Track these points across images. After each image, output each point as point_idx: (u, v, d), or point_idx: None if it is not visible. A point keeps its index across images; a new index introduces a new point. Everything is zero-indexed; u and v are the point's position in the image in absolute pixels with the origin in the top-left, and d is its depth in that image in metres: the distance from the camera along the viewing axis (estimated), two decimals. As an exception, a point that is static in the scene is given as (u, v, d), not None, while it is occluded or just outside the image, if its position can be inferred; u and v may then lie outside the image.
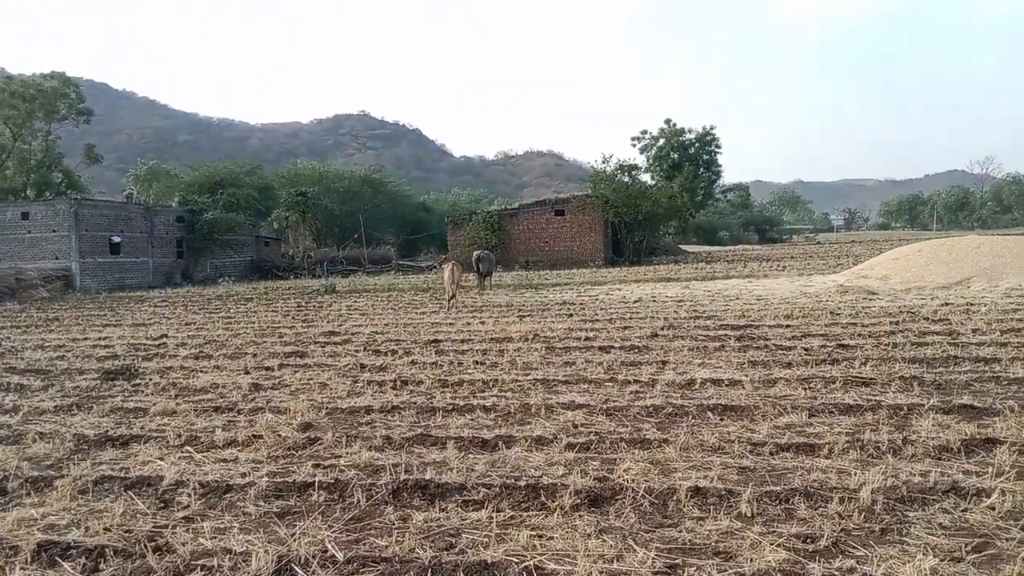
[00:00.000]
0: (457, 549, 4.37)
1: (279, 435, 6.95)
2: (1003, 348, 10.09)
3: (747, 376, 8.77)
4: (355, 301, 23.16)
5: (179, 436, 7.05)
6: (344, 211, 54.91)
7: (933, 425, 6.48)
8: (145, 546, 4.52)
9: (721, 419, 7.04)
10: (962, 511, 4.69)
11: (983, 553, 4.12)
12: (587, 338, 12.50)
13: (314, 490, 5.43)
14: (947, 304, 15.30)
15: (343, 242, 54.98)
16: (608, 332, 13.15)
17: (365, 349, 12.30)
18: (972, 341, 10.74)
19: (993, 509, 4.68)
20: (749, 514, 4.73)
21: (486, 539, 4.47)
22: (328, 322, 16.94)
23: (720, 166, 74.74)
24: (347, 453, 6.33)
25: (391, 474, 5.62)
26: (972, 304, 15.09)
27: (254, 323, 17.29)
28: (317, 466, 6.00)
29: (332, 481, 5.55)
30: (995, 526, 4.46)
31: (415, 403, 8.07)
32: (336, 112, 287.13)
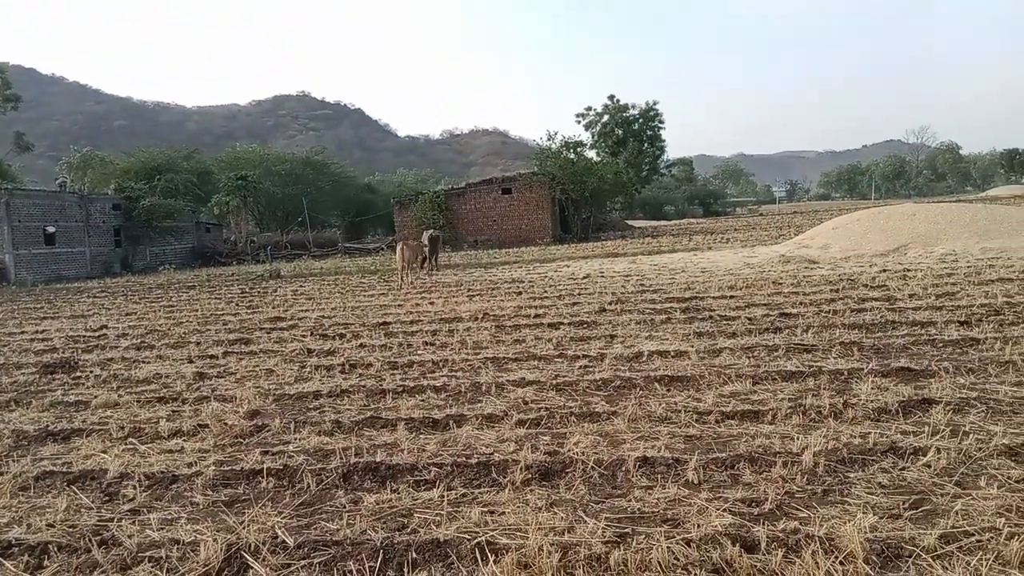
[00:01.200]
0: (409, 529, 4.36)
1: (225, 424, 6.84)
2: (938, 311, 10.42)
3: (693, 347, 8.91)
4: (301, 286, 22.85)
5: (122, 428, 6.89)
6: (287, 195, 53.97)
7: (872, 388, 6.67)
8: (90, 540, 4.42)
9: (668, 390, 7.14)
10: (900, 470, 4.85)
11: (920, 509, 4.27)
12: (536, 315, 12.54)
13: (263, 477, 5.36)
14: (885, 271, 15.73)
15: (287, 226, 54.10)
16: (557, 309, 13.21)
17: (312, 334, 12.14)
18: (909, 306, 11.06)
19: (929, 467, 4.84)
20: (696, 481, 4.82)
21: (438, 518, 4.47)
22: (273, 308, 16.68)
23: (664, 141, 75.51)
24: (296, 439, 6.27)
25: (341, 458, 5.58)
26: (909, 270, 15.53)
27: (197, 311, 16.93)
28: (265, 453, 5.93)
29: (281, 467, 5.49)
30: (931, 483, 4.62)
31: (364, 386, 8.00)
32: (276, 93, 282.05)
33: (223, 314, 15.94)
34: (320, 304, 16.79)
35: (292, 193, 53.56)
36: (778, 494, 4.53)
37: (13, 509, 5.06)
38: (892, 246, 19.80)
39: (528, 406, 6.88)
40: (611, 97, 73.68)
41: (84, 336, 13.72)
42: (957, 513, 4.15)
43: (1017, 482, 4.55)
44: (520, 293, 16.25)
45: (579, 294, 15.24)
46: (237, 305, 17.90)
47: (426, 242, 24.37)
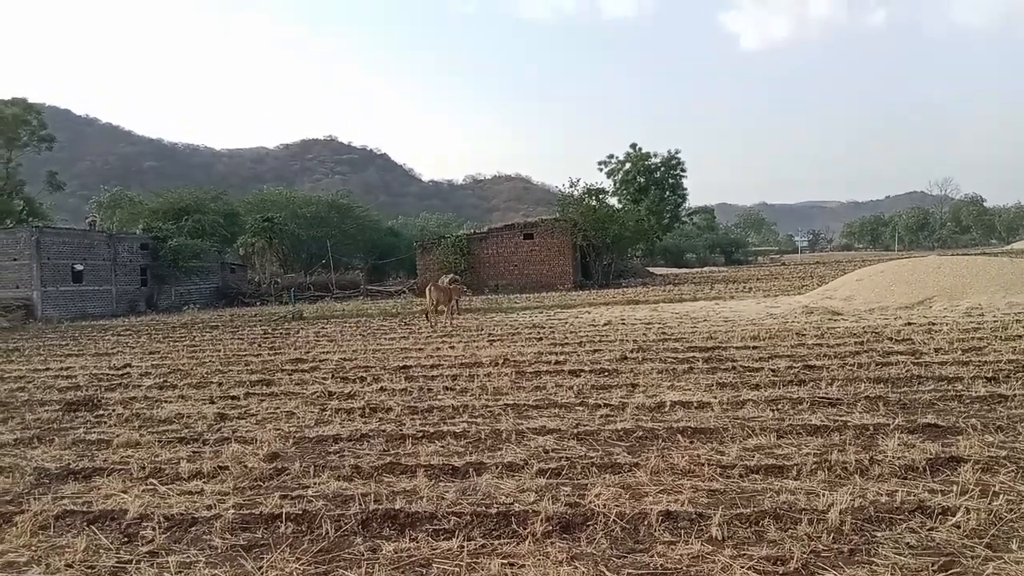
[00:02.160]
0: (428, 580, 4.32)
1: (245, 466, 6.84)
2: (965, 367, 10.27)
3: (716, 398, 8.83)
4: (323, 327, 22.97)
5: (143, 468, 6.91)
6: (311, 236, 54.59)
7: (899, 445, 6.56)
8: (107, 583, 4.41)
9: (691, 442, 7.06)
10: (928, 530, 4.74)
11: (949, 572, 4.17)
12: (557, 362, 12.51)
13: (281, 522, 5.34)
14: (910, 324, 15.56)
15: (310, 268, 54.61)
16: (578, 355, 13.17)
17: (333, 376, 12.18)
18: (935, 360, 10.92)
19: (958, 527, 4.74)
20: (720, 537, 4.74)
21: (457, 569, 4.42)
22: (295, 349, 16.77)
23: (685, 189, 75.58)
24: (315, 483, 6.25)
25: (360, 504, 5.55)
26: (934, 324, 15.36)
27: (220, 351, 17.05)
28: (284, 497, 5.91)
29: (300, 512, 5.47)
30: (960, 544, 4.51)
31: (384, 431, 7.99)
32: (303, 137, 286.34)
33: (245, 355, 16.04)
34: (341, 346, 16.85)
35: (317, 235, 54.18)
36: (804, 552, 4.44)
37: (32, 548, 5.07)
38: (917, 299, 19.60)
39: (548, 455, 6.83)
40: (633, 145, 74.15)
41: (108, 374, 13.85)
42: (988, 577, 4.05)
43: (1055, 545, 4.44)
44: (541, 339, 16.23)
45: (600, 341, 15.19)
46: (259, 346, 18.01)
47: (448, 285, 24.62)
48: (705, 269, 73.77)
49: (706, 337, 14.96)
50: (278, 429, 8.36)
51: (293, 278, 50.98)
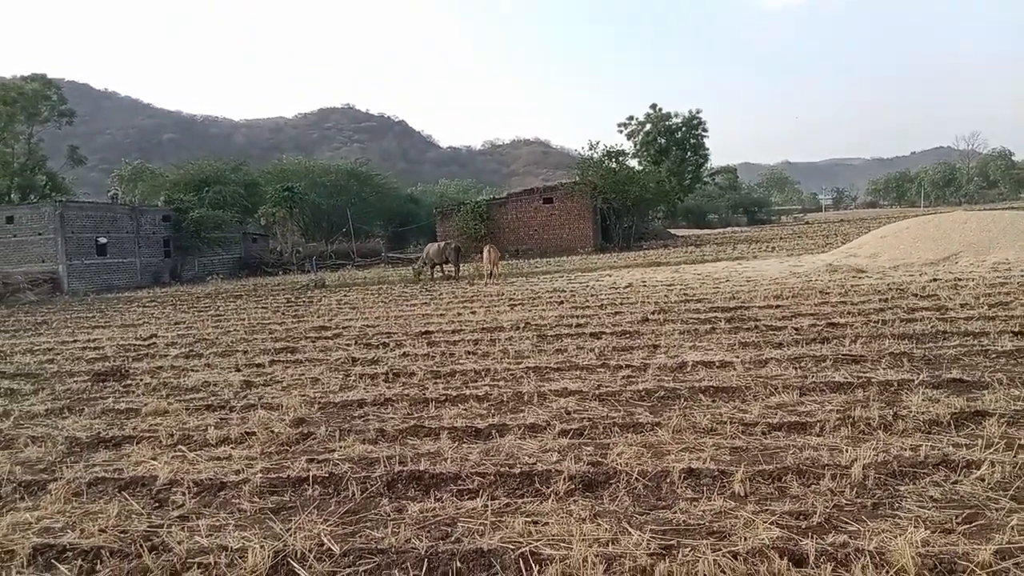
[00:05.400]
0: (453, 538, 4.38)
1: (272, 431, 6.94)
2: (991, 322, 10.15)
3: (738, 357, 8.81)
4: (345, 295, 23.11)
5: (171, 436, 7.03)
6: (331, 205, 54.78)
7: (923, 400, 6.52)
8: (141, 546, 4.51)
9: (713, 401, 7.06)
10: (952, 483, 4.73)
11: (973, 524, 4.16)
12: (578, 325, 12.51)
13: (308, 485, 5.43)
14: (935, 280, 15.38)
15: (331, 236, 54.78)
16: (599, 318, 13.16)
17: (356, 343, 12.28)
18: (960, 316, 10.80)
19: (983, 480, 4.72)
20: (742, 493, 4.76)
21: (481, 527, 4.48)
22: (318, 317, 16.91)
23: (707, 149, 74.63)
24: (340, 447, 6.33)
25: (385, 466, 5.62)
26: (960, 279, 15.17)
27: (244, 320, 17.23)
28: (311, 461, 6.00)
29: (326, 475, 5.55)
30: (985, 497, 4.50)
31: (408, 395, 8.07)
32: (320, 106, 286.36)
33: (269, 323, 16.20)
34: (364, 313, 16.96)
35: (337, 204, 54.36)
36: (827, 507, 4.45)
37: (67, 514, 5.19)
38: (943, 255, 19.33)
39: (570, 416, 6.87)
40: (653, 106, 73.23)
41: (134, 345, 14.05)
42: (1013, 528, 4.03)
43: (1079, 499, 4.41)
44: (562, 302, 16.23)
45: (621, 303, 15.17)
46: (283, 314, 18.18)
47: (452, 252, 27.48)
48: (727, 230, 73.15)
49: (728, 297, 14.88)
50: (303, 395, 8.46)
51: (314, 247, 51.13)
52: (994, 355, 8.21)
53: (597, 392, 7.65)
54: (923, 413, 6.11)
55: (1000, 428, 5.66)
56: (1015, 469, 4.85)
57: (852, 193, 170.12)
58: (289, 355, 11.54)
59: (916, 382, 7.12)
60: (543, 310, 14.98)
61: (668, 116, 72.80)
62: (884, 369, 7.83)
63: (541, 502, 4.84)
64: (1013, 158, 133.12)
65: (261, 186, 54.42)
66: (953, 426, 5.84)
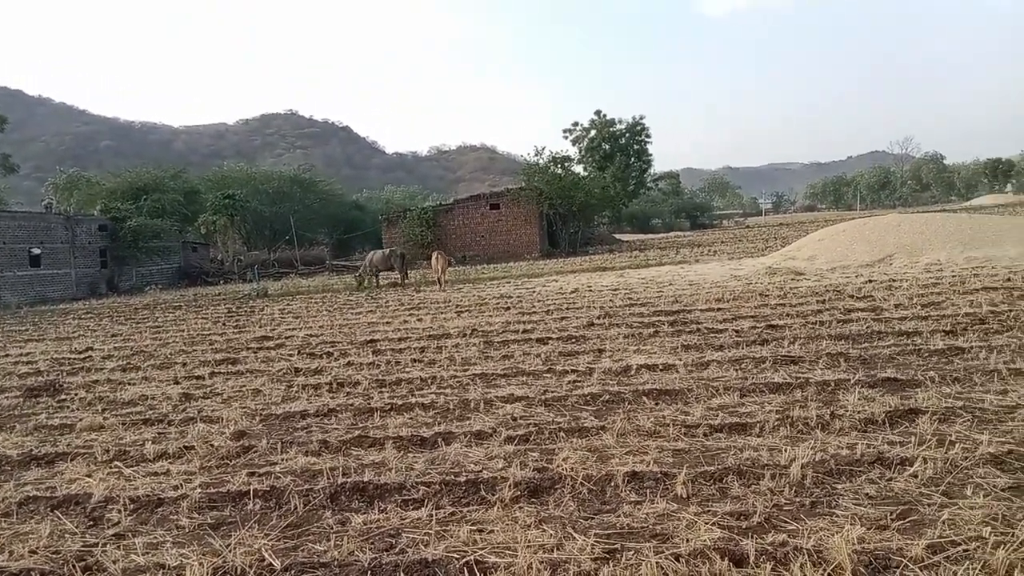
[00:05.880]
0: (397, 549, 4.33)
1: (212, 445, 6.79)
2: (924, 321, 10.47)
3: (681, 360, 8.92)
4: (288, 304, 22.78)
5: (107, 451, 6.82)
6: (274, 213, 53.97)
7: (859, 399, 6.69)
8: (74, 566, 4.36)
9: (656, 403, 7.13)
10: (887, 480, 4.86)
11: (907, 519, 4.27)
12: (525, 331, 12.53)
13: (249, 499, 5.31)
14: (871, 281, 15.82)
15: (274, 244, 53.99)
16: (546, 324, 13.21)
17: (299, 353, 12.09)
18: (895, 316, 11.12)
19: (916, 477, 4.85)
20: (685, 495, 4.81)
21: (426, 537, 4.44)
22: (260, 327, 16.61)
23: (651, 155, 75.61)
24: (283, 460, 6.22)
25: (328, 478, 5.54)
26: (894, 280, 15.63)
27: (183, 331, 16.84)
28: (252, 474, 5.88)
29: (268, 489, 5.45)
30: (918, 493, 4.63)
31: (352, 405, 7.97)
32: (263, 112, 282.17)
33: (210, 334, 15.86)
34: (307, 322, 16.73)
35: (280, 211, 53.59)
36: (766, 507, 4.52)
37: (-4, 536, 5.00)
38: (878, 256, 19.91)
39: (517, 422, 6.86)
40: (598, 112, 73.96)
41: (69, 358, 13.61)
42: (944, 523, 4.15)
43: (1003, 490, 4.57)
44: (508, 308, 16.24)
45: (567, 309, 15.25)
46: (224, 325, 17.82)
47: (397, 259, 27.47)
48: (671, 234, 74.21)
49: (671, 301, 15.08)
50: (244, 407, 8.30)
51: (257, 255, 50.33)
52: (926, 354, 8.47)
53: (543, 398, 7.67)
54: (859, 412, 6.27)
55: (932, 425, 5.83)
56: (946, 465, 5.00)
57: (791, 197, 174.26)
58: (230, 366, 11.31)
59: (852, 381, 7.30)
60: (490, 316, 14.98)
61: (612, 122, 73.60)
62: (821, 369, 8.01)
63: (486, 510, 4.82)
64: (944, 162, 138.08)
65: (201, 194, 53.37)
66: (888, 424, 6.00)
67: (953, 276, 15.56)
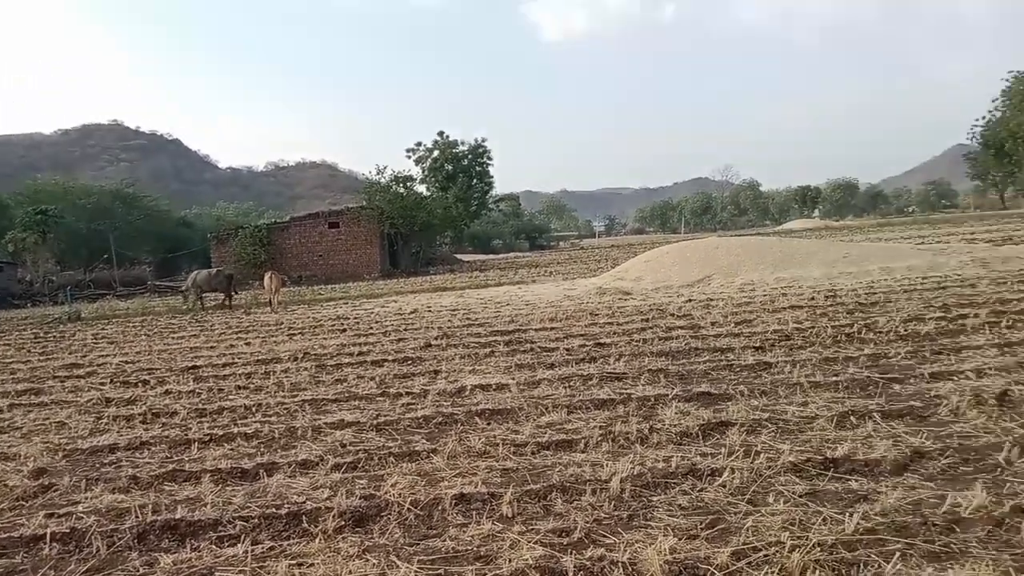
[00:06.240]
0: (209, 589, 4.10)
1: (5, 485, 6.17)
2: (736, 338, 11.20)
3: (514, 379, 9.06)
4: (103, 328, 21.20)
5: None
6: (92, 230, 50.27)
7: (676, 413, 7.04)
8: None
9: (488, 423, 7.19)
10: (699, 491, 5.12)
11: (715, 528, 4.52)
12: (360, 353, 12.32)
13: (46, 543, 4.86)
14: (691, 300, 16.77)
15: (91, 264, 50.23)
16: (382, 345, 13.04)
17: (112, 381, 11.26)
18: (711, 333, 11.83)
19: (724, 487, 5.15)
20: (510, 515, 4.86)
21: (241, 575, 4.23)
22: (70, 353, 15.36)
23: (492, 177, 76.75)
24: (86, 498, 5.74)
25: (137, 516, 5.16)
26: (712, 299, 16.64)
27: (-20, 360, 15.27)
28: (50, 516, 5.39)
29: (67, 531, 5.01)
30: (726, 502, 4.91)
31: (167, 437, 7.49)
32: (84, 122, 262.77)
33: (11, 361, 14.48)
34: (123, 348, 15.63)
35: (99, 228, 49.96)
36: (587, 522, 4.65)
37: None
38: (698, 277, 21.16)
39: (346, 449, 6.70)
40: (441, 133, 74.21)
41: None
42: (748, 530, 4.43)
43: (800, 496, 4.93)
44: (344, 330, 15.92)
45: (405, 330, 15.14)
46: (28, 352, 16.33)
47: (224, 279, 26.58)
48: (511, 255, 75.54)
49: (508, 321, 15.32)
50: (46, 442, 7.61)
51: (71, 276, 46.57)
52: (738, 368, 9.05)
53: (375, 422, 7.54)
54: (675, 425, 6.60)
55: (741, 436, 6.22)
56: (751, 474, 5.34)
57: (623, 220, 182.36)
58: (33, 397, 10.36)
59: (670, 396, 7.68)
60: (324, 339, 14.61)
61: (455, 144, 74.19)
62: (643, 385, 8.38)
63: (308, 542, 4.66)
64: (760, 188, 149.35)
65: (11, 209, 49.01)
66: (701, 437, 6.34)
67: (764, 295, 16.77)
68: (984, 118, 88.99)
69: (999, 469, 5.24)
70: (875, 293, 15.62)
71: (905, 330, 10.86)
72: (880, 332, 10.87)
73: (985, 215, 74.64)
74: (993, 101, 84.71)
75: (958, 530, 4.28)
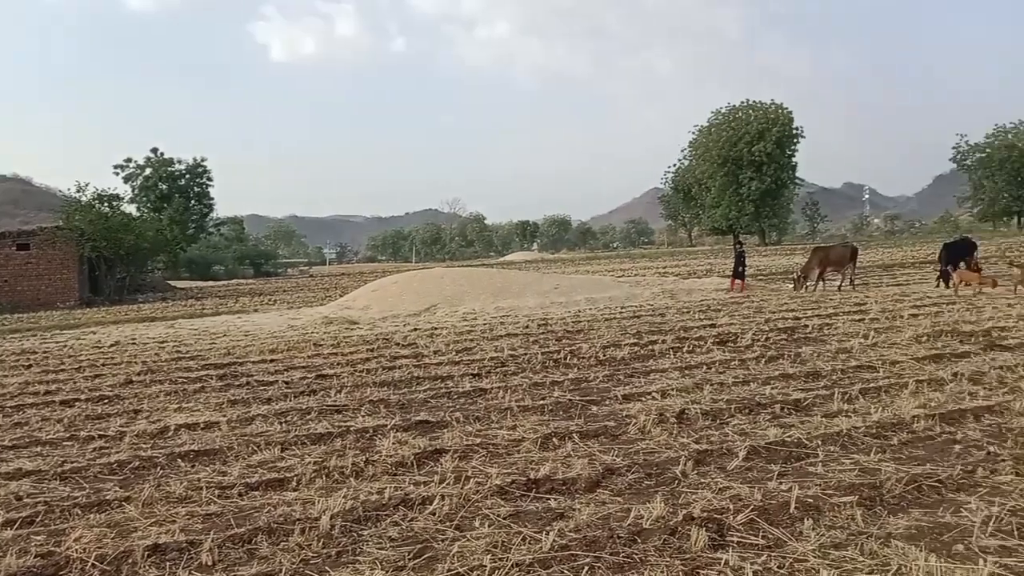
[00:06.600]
0: None
1: None
2: (456, 366, 11.57)
3: (225, 416, 8.59)
4: None
5: None
6: None
7: (394, 443, 7.10)
8: None
9: (192, 466, 6.75)
10: (410, 521, 5.20)
11: (423, 557, 4.61)
12: (47, 392, 10.99)
13: None
14: (416, 329, 17.05)
15: None
16: (75, 383, 11.74)
17: None
18: (433, 362, 12.11)
19: (434, 514, 5.27)
20: (210, 563, 4.59)
21: None
22: None
23: (213, 199, 73.01)
24: None
25: None
26: (436, 328, 17.05)
27: None
28: None
29: None
30: (435, 530, 5.03)
31: None
32: None
33: None
34: None
35: None
36: (293, 563, 4.52)
37: None
38: (424, 306, 21.59)
39: (22, 502, 5.94)
40: (155, 150, 69.30)
41: None
42: (454, 555, 4.56)
43: (505, 519, 5.18)
44: (30, 366, 14.10)
45: (103, 364, 13.75)
46: None
47: None
48: (233, 282, 71.77)
49: (223, 353, 14.52)
50: None
51: None
52: (456, 396, 9.35)
53: (60, 470, 6.76)
54: (392, 456, 6.65)
55: (453, 463, 6.42)
56: (461, 500, 5.53)
57: (354, 248, 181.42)
58: None
59: (389, 426, 7.73)
60: (3, 377, 12.83)
61: (171, 162, 69.58)
62: (363, 416, 8.36)
63: (-38, 615, 4.05)
64: (486, 221, 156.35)
65: None
66: (416, 465, 6.45)
67: (485, 324, 17.51)
68: (675, 165, 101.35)
69: (676, 481, 5.90)
70: (580, 321, 16.98)
71: (604, 355, 11.92)
72: (583, 357, 11.83)
73: (676, 251, 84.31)
74: (682, 150, 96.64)
75: (639, 541, 4.74)
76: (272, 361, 13.00)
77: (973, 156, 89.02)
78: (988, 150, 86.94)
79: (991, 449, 6.28)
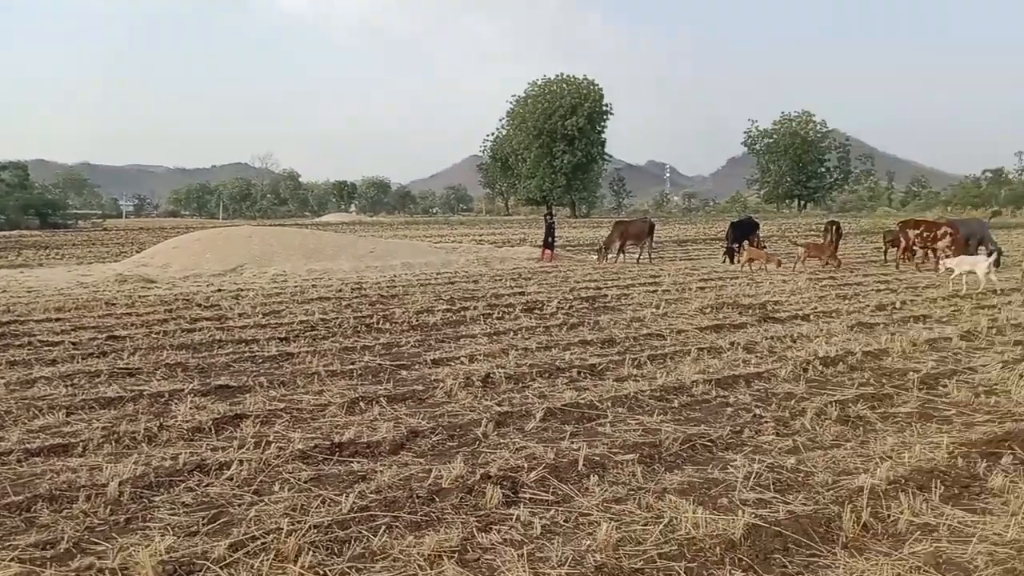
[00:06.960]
0: None
1: None
2: (263, 329, 11.29)
3: (3, 379, 7.93)
4: None
5: None
6: None
7: (191, 408, 6.88)
8: None
9: (-38, 432, 6.22)
10: (205, 487, 5.12)
11: (218, 522, 4.57)
12: None
13: None
14: (220, 290, 16.36)
15: None
16: None
17: None
18: (237, 324, 11.72)
19: (232, 480, 5.22)
20: (-19, 535, 4.32)
21: None
22: None
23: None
24: None
25: None
26: (242, 290, 16.45)
27: None
28: None
29: None
30: (232, 495, 4.99)
31: None
32: None
33: None
34: None
35: None
36: (77, 531, 4.35)
37: None
38: (230, 266, 20.71)
39: None
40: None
41: None
42: (250, 520, 4.57)
43: (305, 483, 5.22)
44: None
45: None
46: None
47: None
48: (15, 233, 65.01)
49: (2, 310, 13.26)
50: None
51: None
52: (260, 360, 9.15)
53: None
54: (188, 421, 6.46)
55: (255, 428, 6.34)
56: (260, 465, 5.50)
57: (154, 201, 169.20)
58: None
59: (186, 391, 7.48)
60: None
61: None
62: (159, 380, 8.01)
63: None
64: (300, 179, 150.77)
65: None
66: (214, 431, 6.31)
67: (295, 286, 17.11)
68: (493, 135, 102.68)
69: (477, 442, 6.18)
70: (396, 286, 17.04)
71: (417, 320, 12.08)
72: (396, 323, 11.92)
73: (493, 220, 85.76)
74: (500, 120, 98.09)
75: (438, 500, 4.96)
76: (58, 320, 12.04)
77: (762, 141, 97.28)
78: (775, 136, 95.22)
79: (757, 412, 7.06)
